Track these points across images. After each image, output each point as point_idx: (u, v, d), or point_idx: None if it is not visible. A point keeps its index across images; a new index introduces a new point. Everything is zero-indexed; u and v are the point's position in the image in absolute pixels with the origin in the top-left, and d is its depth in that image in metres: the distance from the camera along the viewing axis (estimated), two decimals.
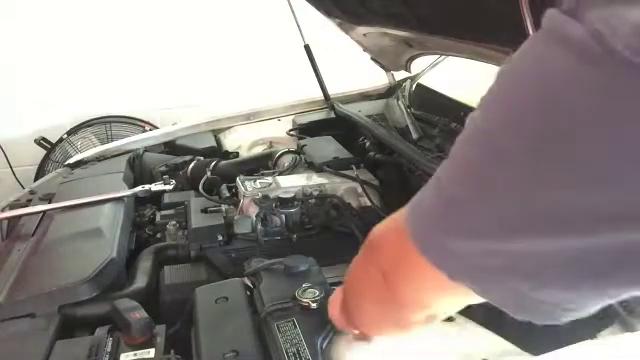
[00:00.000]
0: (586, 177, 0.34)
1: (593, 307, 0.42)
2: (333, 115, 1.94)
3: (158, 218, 1.38)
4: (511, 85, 0.39)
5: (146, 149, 1.81)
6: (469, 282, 0.44)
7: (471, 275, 0.44)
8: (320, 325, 0.82)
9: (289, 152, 1.63)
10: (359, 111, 1.81)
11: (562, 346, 0.72)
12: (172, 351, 0.84)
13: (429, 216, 0.47)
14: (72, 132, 2.79)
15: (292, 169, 1.51)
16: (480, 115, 0.42)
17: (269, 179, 1.38)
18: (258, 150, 1.84)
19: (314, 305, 0.86)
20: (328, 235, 1.28)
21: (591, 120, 0.33)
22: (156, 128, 2.67)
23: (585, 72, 0.33)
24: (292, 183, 1.37)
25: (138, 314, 0.88)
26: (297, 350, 0.78)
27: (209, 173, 1.56)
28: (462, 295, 0.48)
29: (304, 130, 1.87)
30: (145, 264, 1.16)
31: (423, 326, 0.59)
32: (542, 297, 0.42)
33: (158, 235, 1.33)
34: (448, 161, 0.45)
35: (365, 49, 1.82)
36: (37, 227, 1.30)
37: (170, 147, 1.87)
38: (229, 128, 1.98)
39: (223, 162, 1.66)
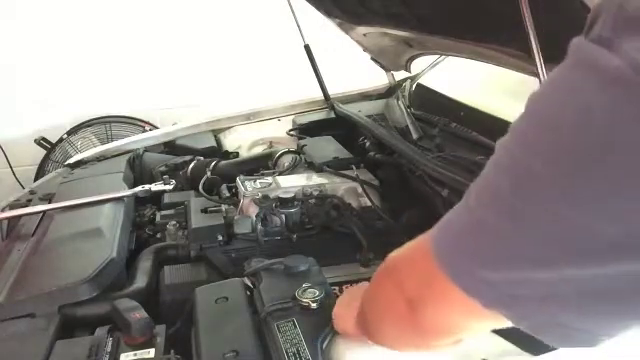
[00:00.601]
0: (623, 202, 0.34)
1: (636, 329, 0.41)
2: (333, 115, 1.94)
3: (158, 218, 1.38)
4: (545, 115, 0.39)
5: (146, 149, 1.81)
6: (504, 310, 0.44)
7: (506, 303, 0.43)
8: (320, 325, 0.82)
9: (289, 152, 1.63)
10: (359, 111, 1.80)
11: None
12: (172, 351, 0.85)
13: (459, 241, 0.46)
14: (72, 132, 2.79)
15: (292, 169, 1.51)
16: (513, 142, 0.41)
17: (269, 179, 1.38)
18: (258, 150, 1.84)
19: (314, 305, 0.86)
20: (328, 235, 1.28)
21: (629, 144, 0.33)
22: (156, 128, 2.66)
23: (621, 100, 0.33)
24: (292, 183, 1.37)
25: (138, 314, 0.88)
26: (297, 350, 0.78)
27: (209, 173, 1.56)
28: (494, 321, 0.47)
29: (304, 130, 1.88)
30: (145, 264, 1.16)
31: (447, 348, 0.58)
32: (579, 325, 0.41)
33: (158, 235, 1.34)
34: (478, 185, 0.45)
35: (365, 49, 1.82)
36: (37, 227, 1.31)
37: (170, 147, 1.87)
38: (229, 128, 1.98)
39: (223, 162, 1.66)
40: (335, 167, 1.46)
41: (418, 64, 1.83)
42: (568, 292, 0.39)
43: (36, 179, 2.61)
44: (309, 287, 0.89)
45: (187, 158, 1.70)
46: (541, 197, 0.38)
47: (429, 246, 0.49)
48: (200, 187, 1.47)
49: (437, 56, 1.77)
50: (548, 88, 0.40)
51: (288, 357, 0.77)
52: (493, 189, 0.42)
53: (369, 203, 1.35)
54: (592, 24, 0.37)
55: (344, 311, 0.79)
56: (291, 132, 1.89)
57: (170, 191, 1.49)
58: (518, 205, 0.39)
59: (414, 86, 1.86)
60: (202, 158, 1.70)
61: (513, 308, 0.43)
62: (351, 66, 2.16)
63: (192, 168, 1.63)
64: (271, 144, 1.88)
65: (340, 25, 1.68)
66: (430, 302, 0.51)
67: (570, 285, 0.39)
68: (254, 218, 1.25)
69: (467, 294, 0.44)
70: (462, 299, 0.45)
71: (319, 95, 2.00)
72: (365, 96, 2.06)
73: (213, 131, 1.95)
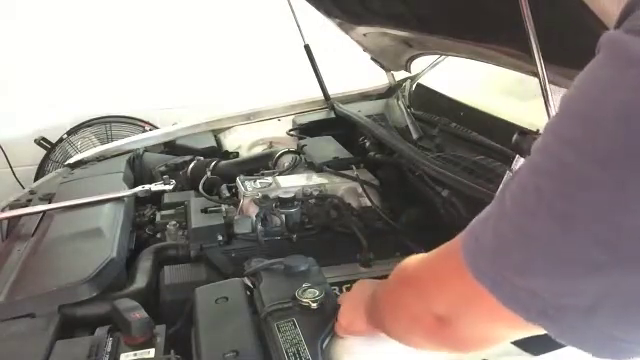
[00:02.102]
0: None
1: None
2: (333, 115, 1.94)
3: (158, 218, 1.38)
4: (585, 113, 0.37)
5: (146, 149, 1.81)
6: (548, 322, 0.42)
7: (551, 316, 0.41)
8: (320, 325, 0.82)
9: (289, 152, 1.63)
10: (359, 111, 1.81)
11: (562, 346, 0.72)
12: (172, 351, 0.85)
13: (497, 251, 0.43)
14: (72, 132, 2.79)
15: (292, 169, 1.51)
16: (553, 144, 0.39)
17: (269, 179, 1.38)
18: (258, 150, 1.84)
19: (314, 305, 0.86)
20: (328, 235, 1.28)
21: None
22: (156, 128, 2.66)
23: None
24: (292, 183, 1.37)
25: (138, 314, 0.88)
26: (297, 350, 0.78)
27: (209, 173, 1.56)
28: (532, 330, 0.45)
29: (304, 130, 1.88)
30: (145, 264, 1.16)
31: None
32: (626, 336, 0.40)
33: (158, 235, 1.34)
34: (515, 190, 0.42)
35: (365, 49, 1.82)
36: (37, 227, 1.30)
37: (170, 147, 1.87)
38: (229, 128, 1.98)
39: (223, 162, 1.66)
40: (335, 167, 1.46)
41: (418, 64, 1.83)
42: (615, 301, 0.38)
43: (36, 179, 2.61)
44: (309, 287, 0.89)
45: (187, 158, 1.70)
46: (588, 199, 0.36)
47: (460, 257, 0.46)
48: (200, 187, 1.47)
49: (437, 56, 1.77)
50: (585, 84, 0.38)
51: (288, 357, 0.77)
52: (536, 194, 0.40)
53: (369, 203, 1.35)
54: (626, 16, 0.36)
55: (353, 316, 0.78)
56: (291, 132, 1.89)
57: (170, 191, 1.49)
58: (565, 209, 0.38)
59: (414, 86, 1.86)
60: (202, 158, 1.70)
61: (558, 320, 0.41)
62: (351, 66, 2.16)
63: (192, 168, 1.63)
64: (271, 144, 1.88)
65: (340, 25, 1.68)
66: (465, 317, 0.50)
67: (617, 293, 0.38)
68: (254, 218, 1.25)
69: (509, 308, 0.42)
70: (502, 312, 0.43)
71: (319, 95, 2.00)
72: (365, 96, 2.06)
73: (213, 131, 1.95)
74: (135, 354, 0.84)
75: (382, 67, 1.93)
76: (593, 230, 0.36)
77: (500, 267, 0.43)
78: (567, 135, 0.38)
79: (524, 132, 0.76)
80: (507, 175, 0.79)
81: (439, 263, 0.53)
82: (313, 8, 1.64)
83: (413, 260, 0.59)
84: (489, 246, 0.44)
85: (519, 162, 0.78)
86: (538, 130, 0.77)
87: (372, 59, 1.89)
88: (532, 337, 0.50)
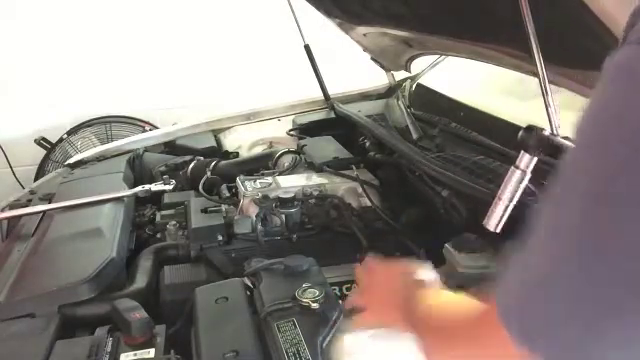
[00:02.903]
0: None
1: None
2: (333, 115, 1.94)
3: (158, 218, 1.38)
4: (605, 137, 0.36)
5: (146, 149, 1.82)
6: None
7: None
8: (320, 325, 0.83)
9: (289, 152, 1.63)
10: (359, 111, 1.81)
11: None
12: (172, 351, 0.85)
13: (536, 317, 0.41)
14: (72, 132, 2.79)
15: (292, 169, 1.52)
16: (571, 176, 0.39)
17: (269, 179, 1.38)
18: (258, 150, 1.84)
19: (314, 305, 0.86)
20: (328, 235, 1.28)
21: None
22: (156, 128, 2.67)
23: None
24: (292, 183, 1.37)
25: (138, 314, 0.88)
26: (297, 350, 0.78)
27: (209, 173, 1.56)
28: None
29: (304, 130, 1.88)
30: (145, 264, 1.16)
31: None
32: None
33: (158, 235, 1.34)
34: (543, 245, 0.41)
35: (365, 49, 1.82)
36: (37, 227, 1.31)
37: (170, 147, 1.87)
38: (229, 128, 1.98)
39: (223, 162, 1.66)
40: (335, 167, 1.46)
41: (418, 64, 1.83)
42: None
43: (36, 179, 2.61)
44: (309, 287, 0.89)
45: (187, 158, 1.70)
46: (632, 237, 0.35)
47: (494, 316, 0.44)
48: (200, 187, 1.47)
49: (437, 56, 1.77)
50: (599, 105, 0.38)
51: (288, 357, 0.77)
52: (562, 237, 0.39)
53: (369, 203, 1.35)
54: (632, 25, 0.36)
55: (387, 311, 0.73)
56: (291, 132, 1.89)
57: (170, 191, 1.49)
58: (592, 255, 0.37)
59: (414, 86, 1.86)
60: (202, 158, 1.70)
61: None
62: (351, 66, 2.16)
63: (192, 168, 1.63)
64: (271, 144, 1.88)
65: (340, 25, 1.68)
66: None
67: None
68: (254, 218, 1.25)
69: None
70: None
71: (319, 95, 2.00)
72: (365, 96, 2.06)
73: (213, 131, 1.95)
74: (135, 354, 0.84)
75: (382, 67, 1.93)
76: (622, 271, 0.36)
77: (537, 331, 0.41)
78: (587, 162, 0.38)
79: (530, 128, 0.77)
80: (510, 171, 0.79)
81: (482, 328, 0.51)
82: (313, 8, 1.64)
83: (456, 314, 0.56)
84: (521, 304, 0.43)
85: (524, 158, 0.78)
86: (544, 129, 0.77)
87: (372, 59, 1.89)
88: None
